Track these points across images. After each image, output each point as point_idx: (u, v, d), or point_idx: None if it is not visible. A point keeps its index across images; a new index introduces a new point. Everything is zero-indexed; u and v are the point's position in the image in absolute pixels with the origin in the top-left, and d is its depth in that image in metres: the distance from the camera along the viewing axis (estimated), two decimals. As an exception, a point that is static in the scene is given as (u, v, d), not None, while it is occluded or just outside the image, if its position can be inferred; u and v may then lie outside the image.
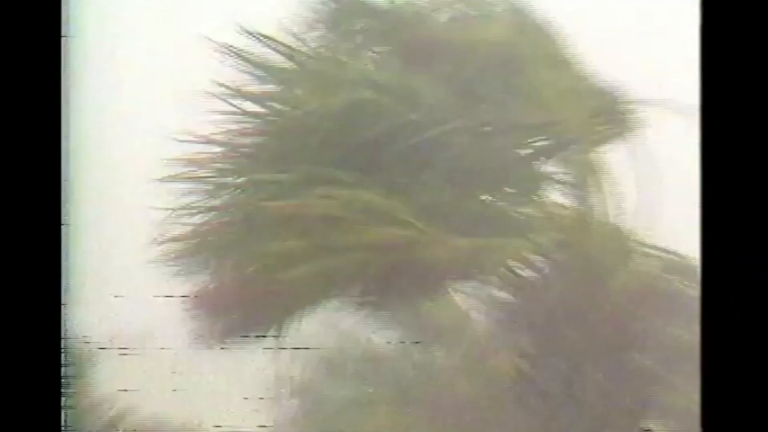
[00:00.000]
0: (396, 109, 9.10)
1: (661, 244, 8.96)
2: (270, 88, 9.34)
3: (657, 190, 8.89)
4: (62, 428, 8.28)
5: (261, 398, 9.08)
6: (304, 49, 9.37)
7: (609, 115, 9.46)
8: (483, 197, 9.19)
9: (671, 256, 8.95)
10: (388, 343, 9.45)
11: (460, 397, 9.83)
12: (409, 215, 8.80)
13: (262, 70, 9.44)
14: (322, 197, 8.76)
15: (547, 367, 8.84)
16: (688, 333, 8.29)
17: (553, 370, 8.85)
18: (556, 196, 9.21)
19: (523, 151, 9.30)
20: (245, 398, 8.69)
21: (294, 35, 9.34)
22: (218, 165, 9.20)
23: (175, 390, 9.10)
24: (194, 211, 9.03)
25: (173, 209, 8.99)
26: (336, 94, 9.21)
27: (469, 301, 9.20)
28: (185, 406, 9.11)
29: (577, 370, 8.74)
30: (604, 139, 9.39)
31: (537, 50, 9.50)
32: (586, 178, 9.19)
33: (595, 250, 9.01)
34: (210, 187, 9.17)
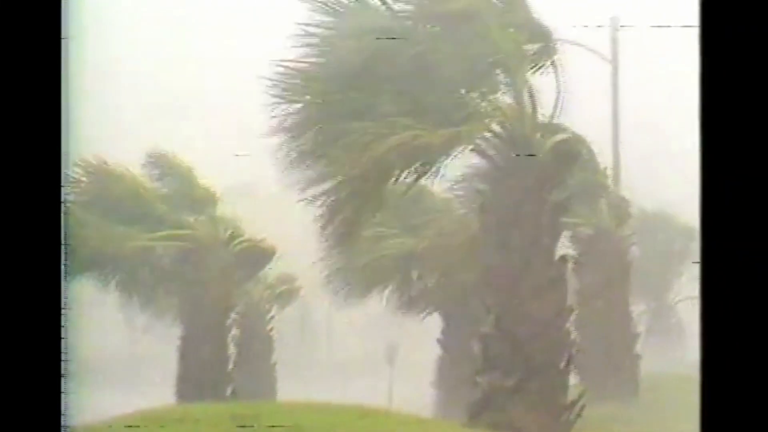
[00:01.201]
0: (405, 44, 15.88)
1: (568, 125, 16.38)
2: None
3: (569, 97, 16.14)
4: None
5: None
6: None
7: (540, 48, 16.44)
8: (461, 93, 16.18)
9: (574, 131, 16.48)
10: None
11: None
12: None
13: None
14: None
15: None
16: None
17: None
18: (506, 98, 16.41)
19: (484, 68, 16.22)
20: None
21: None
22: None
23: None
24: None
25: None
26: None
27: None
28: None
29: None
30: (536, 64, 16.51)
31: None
32: (523, 87, 16.19)
33: (528, 130, 16.17)
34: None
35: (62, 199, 7.66)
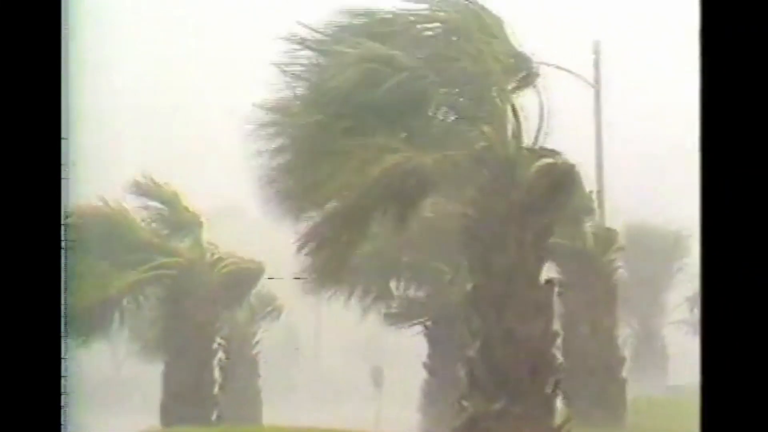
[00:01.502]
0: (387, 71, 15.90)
1: (551, 147, 16.39)
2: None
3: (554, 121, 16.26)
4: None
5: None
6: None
7: (522, 70, 16.52)
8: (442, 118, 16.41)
9: (556, 155, 16.44)
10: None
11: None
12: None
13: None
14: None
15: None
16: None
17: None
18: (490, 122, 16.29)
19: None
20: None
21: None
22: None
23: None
24: None
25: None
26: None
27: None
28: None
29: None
30: (518, 86, 16.55)
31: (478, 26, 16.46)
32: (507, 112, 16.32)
33: (511, 151, 16.24)
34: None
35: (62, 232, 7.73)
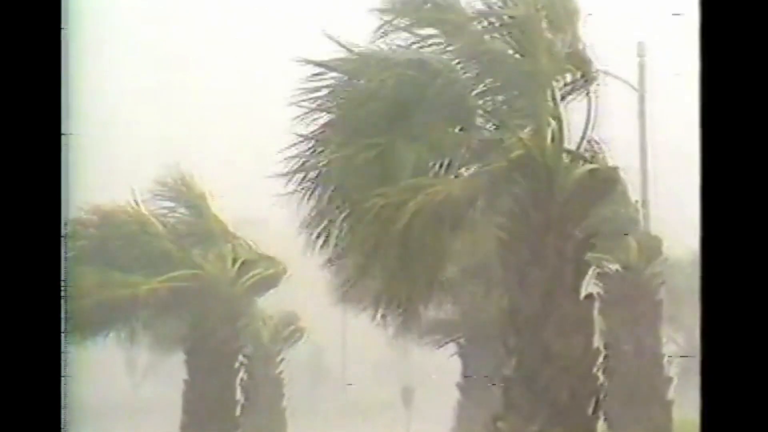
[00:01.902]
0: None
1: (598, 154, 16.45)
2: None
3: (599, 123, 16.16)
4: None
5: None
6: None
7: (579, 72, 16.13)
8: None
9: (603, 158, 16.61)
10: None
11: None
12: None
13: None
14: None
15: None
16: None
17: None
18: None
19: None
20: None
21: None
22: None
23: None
24: None
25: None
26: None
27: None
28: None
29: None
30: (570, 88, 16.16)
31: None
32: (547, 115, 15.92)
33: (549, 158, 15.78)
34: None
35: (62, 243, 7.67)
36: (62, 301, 7.60)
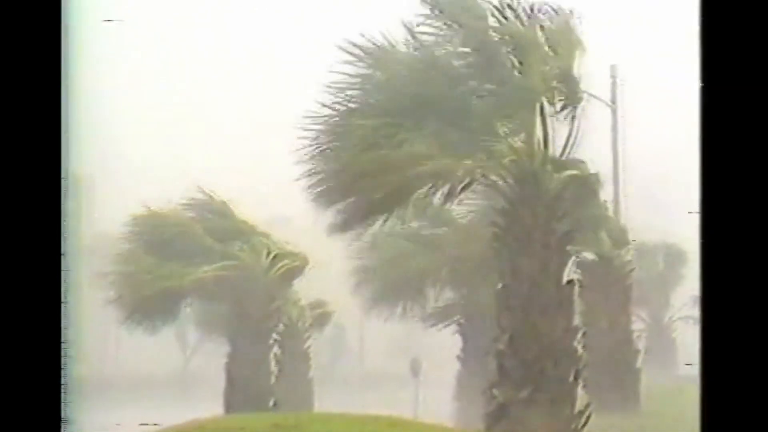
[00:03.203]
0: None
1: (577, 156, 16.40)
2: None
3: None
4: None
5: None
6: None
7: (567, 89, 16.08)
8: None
9: (583, 165, 16.87)
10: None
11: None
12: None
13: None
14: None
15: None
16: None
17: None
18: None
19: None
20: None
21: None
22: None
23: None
24: None
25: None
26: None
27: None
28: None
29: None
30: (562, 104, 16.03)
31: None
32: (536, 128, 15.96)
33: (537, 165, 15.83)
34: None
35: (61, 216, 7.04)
36: (61, 302, 7.01)
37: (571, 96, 16.24)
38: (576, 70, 16.36)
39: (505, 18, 16.06)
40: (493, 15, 16.09)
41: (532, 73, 15.93)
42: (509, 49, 16.11)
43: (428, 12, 15.98)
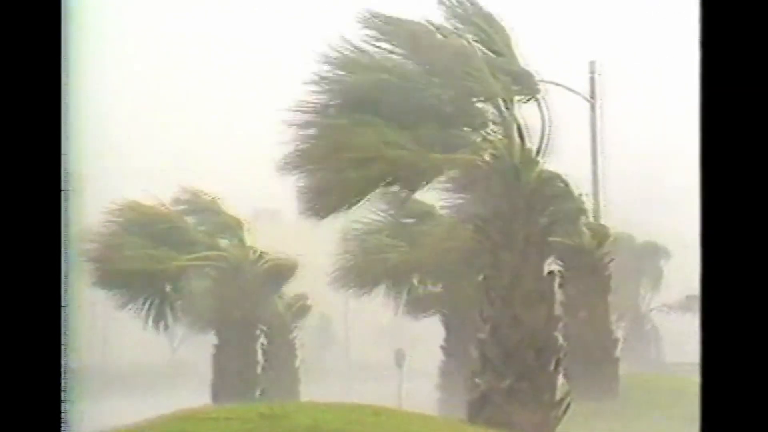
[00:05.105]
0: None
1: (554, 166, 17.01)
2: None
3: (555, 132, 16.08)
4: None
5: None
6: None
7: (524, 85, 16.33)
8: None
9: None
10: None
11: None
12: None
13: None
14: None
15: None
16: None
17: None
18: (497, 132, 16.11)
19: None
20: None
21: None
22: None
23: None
24: None
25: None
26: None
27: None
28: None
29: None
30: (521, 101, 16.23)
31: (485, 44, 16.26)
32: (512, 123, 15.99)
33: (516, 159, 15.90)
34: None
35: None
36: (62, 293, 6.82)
37: (528, 89, 16.34)
38: (523, 62, 16.52)
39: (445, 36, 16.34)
40: (437, 30, 16.37)
41: (480, 76, 16.05)
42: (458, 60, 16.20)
43: (377, 35, 16.25)
